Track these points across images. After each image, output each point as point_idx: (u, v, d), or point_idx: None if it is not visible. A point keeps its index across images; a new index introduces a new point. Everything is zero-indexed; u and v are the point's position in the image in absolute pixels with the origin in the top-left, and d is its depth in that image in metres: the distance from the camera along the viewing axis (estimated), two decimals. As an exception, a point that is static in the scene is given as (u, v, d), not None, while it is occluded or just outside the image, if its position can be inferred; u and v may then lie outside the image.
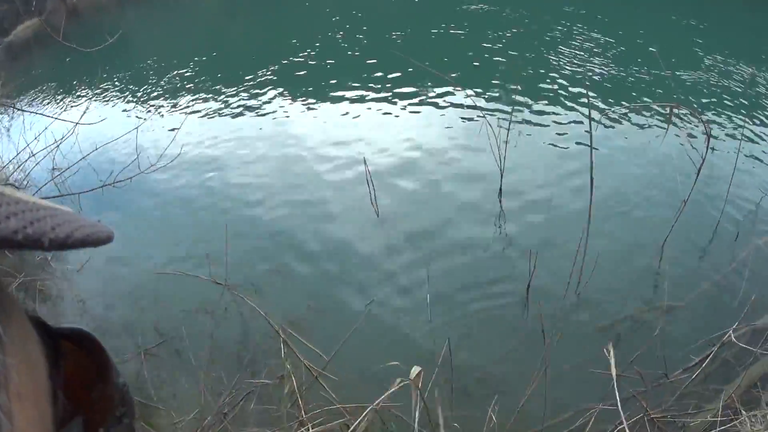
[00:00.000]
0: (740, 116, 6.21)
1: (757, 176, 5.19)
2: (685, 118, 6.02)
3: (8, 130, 8.40)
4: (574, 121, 6.28)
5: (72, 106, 9.07)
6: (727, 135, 5.92)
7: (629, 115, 6.27)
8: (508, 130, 4.95)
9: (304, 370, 3.47)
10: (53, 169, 5.85)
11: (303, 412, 3.23)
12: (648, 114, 6.30)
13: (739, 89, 6.98)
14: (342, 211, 5.19)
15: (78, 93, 10.82)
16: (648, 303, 3.90)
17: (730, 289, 3.88)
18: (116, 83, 10.63)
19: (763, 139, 5.90)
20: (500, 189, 5.00)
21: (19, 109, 4.74)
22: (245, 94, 8.43)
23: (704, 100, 6.75)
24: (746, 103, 6.71)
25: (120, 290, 4.70)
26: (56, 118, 4.58)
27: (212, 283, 4.24)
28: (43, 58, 16.28)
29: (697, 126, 5.74)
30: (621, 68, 7.63)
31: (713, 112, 6.46)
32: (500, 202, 4.98)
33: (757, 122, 6.26)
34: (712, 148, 4.71)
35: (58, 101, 10.43)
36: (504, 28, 9.62)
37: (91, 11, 20.90)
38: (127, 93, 10.00)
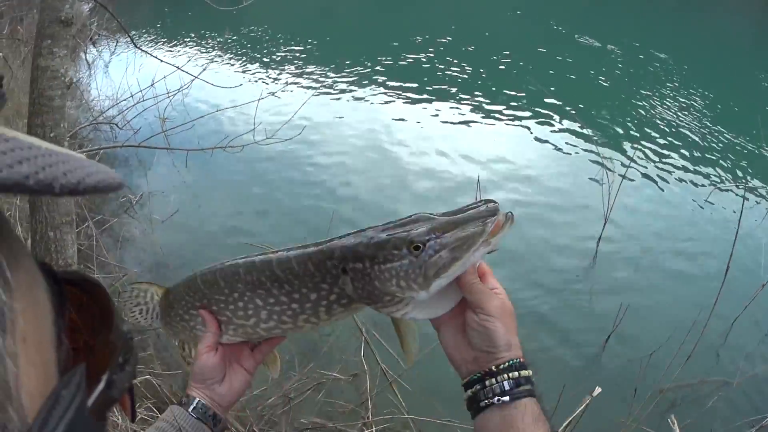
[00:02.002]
0: None
1: None
2: None
3: (108, 67, 8.67)
4: (703, 183, 6.02)
5: (188, 58, 9.36)
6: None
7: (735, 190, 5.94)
8: (623, 177, 4.76)
9: (379, 373, 3.41)
10: (164, 119, 5.97)
11: (370, 414, 3.19)
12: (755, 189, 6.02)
13: None
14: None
15: (196, 47, 11.26)
16: (708, 373, 3.79)
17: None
18: (234, 46, 11.01)
19: None
20: (600, 236, 4.80)
21: (139, 48, 4.75)
22: (354, 82, 8.56)
23: None
24: None
25: (199, 251, 4.76)
26: (178, 68, 4.54)
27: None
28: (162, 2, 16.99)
29: None
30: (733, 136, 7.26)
31: None
32: (597, 246, 4.78)
33: None
34: None
35: (171, 50, 10.86)
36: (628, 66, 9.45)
37: None
38: (244, 59, 10.33)
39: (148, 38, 11.56)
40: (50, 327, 0.33)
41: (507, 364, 0.79)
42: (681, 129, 7.37)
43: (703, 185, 5.96)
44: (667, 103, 8.14)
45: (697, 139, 7.10)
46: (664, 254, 4.80)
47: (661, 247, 4.88)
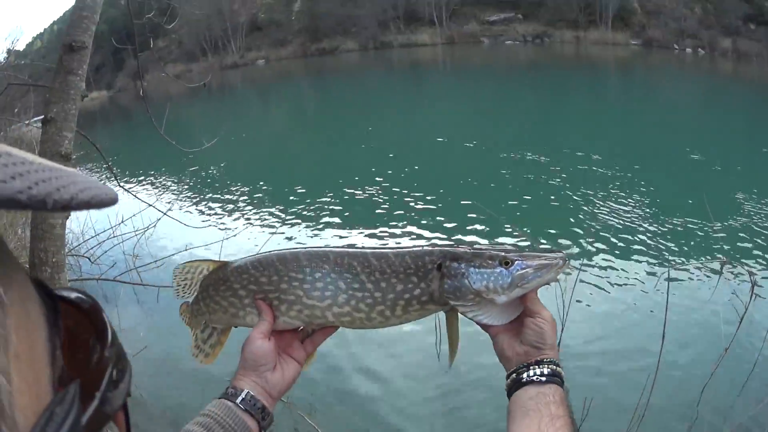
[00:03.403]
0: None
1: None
2: (732, 269, 6.13)
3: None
4: (634, 276, 6.36)
5: (152, 194, 9.49)
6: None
7: (679, 270, 6.39)
8: (575, 283, 5.02)
9: None
10: (135, 256, 5.98)
11: None
12: (697, 268, 6.42)
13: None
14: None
15: (160, 183, 11.47)
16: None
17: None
18: (197, 184, 11.25)
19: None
20: (560, 340, 4.94)
21: (122, 187, 4.90)
22: (312, 218, 8.73)
23: (751, 250, 6.96)
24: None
25: (171, 386, 4.61)
26: (150, 205, 4.71)
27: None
28: (107, 132, 17.37)
29: (742, 275, 5.84)
30: (673, 221, 7.87)
31: (758, 260, 6.57)
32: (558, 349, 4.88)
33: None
34: (756, 295, 4.87)
35: (137, 185, 11.04)
36: (542, 174, 10.21)
37: (159, 97, 22.71)
38: (207, 197, 10.51)
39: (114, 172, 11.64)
40: (44, 343, 0.33)
41: (549, 359, 0.98)
42: (628, 222, 7.87)
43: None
44: (610, 203, 8.72)
45: (647, 226, 7.64)
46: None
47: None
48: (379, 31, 45.68)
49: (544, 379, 0.95)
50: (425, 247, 1.02)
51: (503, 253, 0.98)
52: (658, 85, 26.99)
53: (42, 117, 1.91)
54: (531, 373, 0.96)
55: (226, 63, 43.93)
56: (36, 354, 0.32)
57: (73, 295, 0.41)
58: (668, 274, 5.46)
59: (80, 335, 0.40)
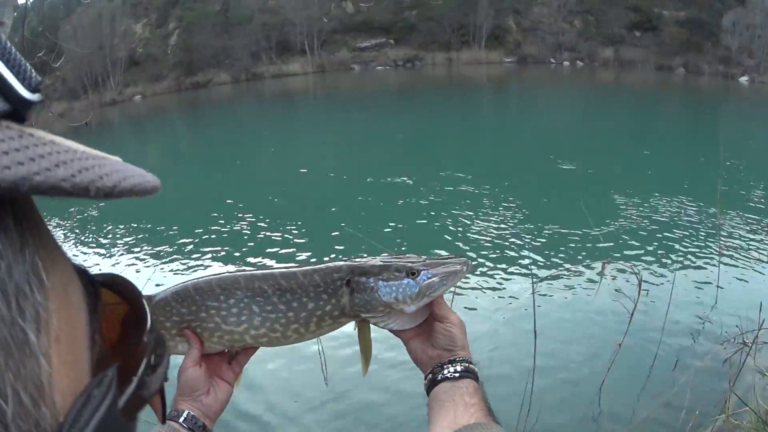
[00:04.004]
0: (670, 255, 7.04)
1: (691, 309, 5.60)
2: (618, 269, 6.21)
3: None
4: (515, 282, 6.55)
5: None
6: (658, 276, 6.44)
7: (564, 273, 6.65)
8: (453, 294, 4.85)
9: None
10: None
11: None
12: (581, 270, 6.65)
13: (660, 230, 7.98)
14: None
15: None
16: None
17: (674, 414, 3.96)
18: (72, 221, 10.80)
19: (694, 271, 6.68)
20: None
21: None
22: (180, 255, 8.54)
23: (635, 249, 7.41)
24: (673, 239, 7.64)
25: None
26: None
27: None
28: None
29: (629, 273, 5.71)
30: (553, 226, 8.17)
31: (643, 258, 7.02)
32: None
33: (683, 256, 7.06)
34: (646, 291, 5.04)
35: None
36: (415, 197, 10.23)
37: None
38: (86, 235, 10.16)
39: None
40: (84, 327, 0.34)
41: (460, 358, 1.03)
42: (503, 235, 8.10)
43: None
44: (483, 219, 8.85)
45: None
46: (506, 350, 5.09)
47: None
48: (251, 63, 45.67)
49: (457, 375, 1.01)
50: (333, 264, 1.05)
51: (410, 264, 1.03)
52: (531, 100, 27.19)
53: None
54: (445, 371, 1.02)
55: (105, 100, 42.53)
56: (76, 338, 0.32)
57: (113, 280, 0.42)
58: (536, 280, 5.62)
59: (119, 320, 0.42)
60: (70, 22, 40.87)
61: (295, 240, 8.64)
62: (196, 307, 1.03)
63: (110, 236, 10.06)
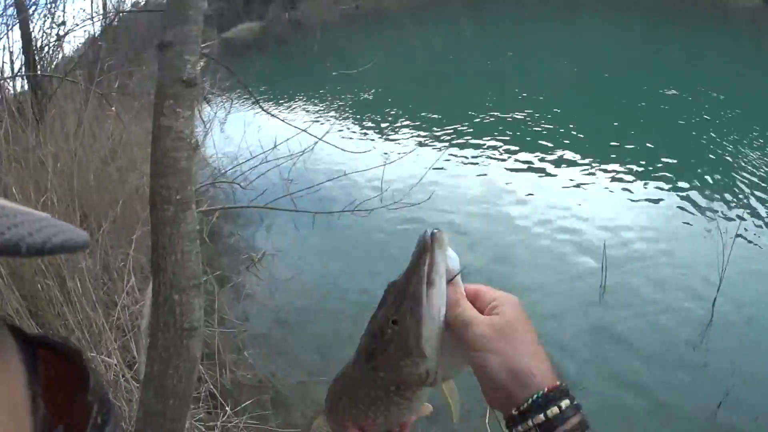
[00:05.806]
0: None
1: None
2: None
3: (224, 126, 9.01)
4: None
5: (306, 120, 9.73)
6: None
7: None
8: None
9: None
10: (289, 180, 5.96)
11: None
12: None
13: None
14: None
15: (313, 108, 11.73)
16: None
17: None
18: (352, 108, 11.41)
19: None
20: (714, 299, 4.27)
21: (265, 110, 4.74)
22: (467, 142, 8.54)
23: None
24: None
25: (319, 310, 4.76)
26: (303, 130, 4.52)
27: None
28: (263, 61, 17.89)
29: None
30: None
31: None
32: (712, 312, 4.23)
33: None
34: None
35: (287, 110, 11.36)
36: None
37: (313, 25, 22.71)
38: (362, 121, 10.67)
39: (263, 99, 11.94)
40: (24, 391, 0.32)
41: (527, 404, 0.62)
42: None
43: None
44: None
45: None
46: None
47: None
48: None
49: None
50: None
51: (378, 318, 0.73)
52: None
53: (158, 42, 1.73)
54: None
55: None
56: (16, 402, 0.31)
57: (50, 340, 0.40)
58: None
59: (61, 381, 0.39)
60: None
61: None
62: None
63: (391, 120, 10.39)
